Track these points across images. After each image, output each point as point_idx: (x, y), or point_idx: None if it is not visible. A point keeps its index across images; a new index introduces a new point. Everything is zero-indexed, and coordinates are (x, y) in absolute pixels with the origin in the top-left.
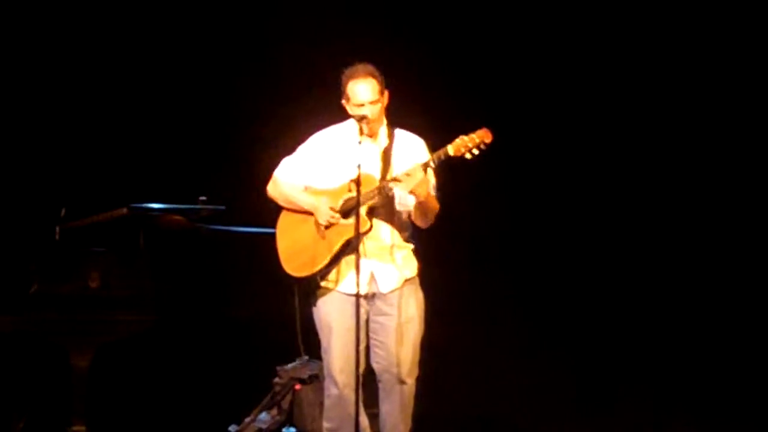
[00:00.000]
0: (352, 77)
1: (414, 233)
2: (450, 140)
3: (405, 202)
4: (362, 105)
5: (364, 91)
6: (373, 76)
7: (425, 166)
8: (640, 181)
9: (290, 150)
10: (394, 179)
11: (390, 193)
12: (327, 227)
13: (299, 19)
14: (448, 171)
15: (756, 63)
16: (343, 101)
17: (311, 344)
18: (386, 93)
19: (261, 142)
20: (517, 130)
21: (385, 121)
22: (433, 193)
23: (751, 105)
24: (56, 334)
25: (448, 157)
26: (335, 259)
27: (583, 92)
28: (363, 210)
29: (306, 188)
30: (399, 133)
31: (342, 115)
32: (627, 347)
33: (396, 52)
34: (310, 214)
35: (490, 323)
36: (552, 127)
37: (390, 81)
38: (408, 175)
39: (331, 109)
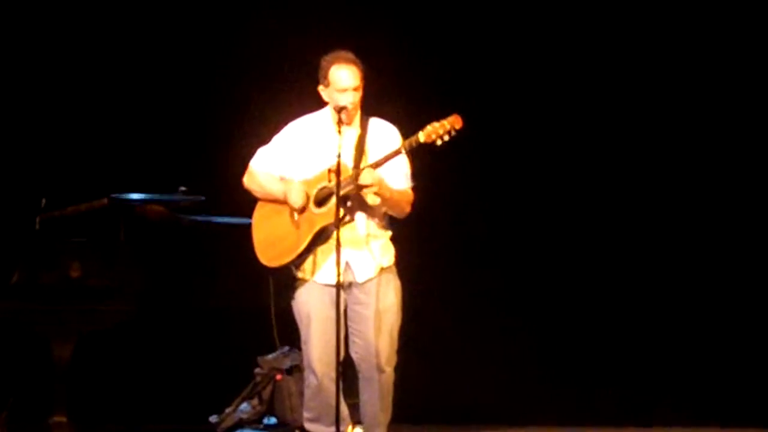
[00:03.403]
0: (334, 62)
1: (391, 221)
2: (421, 127)
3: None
4: (345, 90)
5: (347, 76)
6: (356, 64)
7: (396, 153)
8: (621, 171)
9: (269, 138)
10: (375, 164)
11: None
12: (300, 212)
13: (276, 10)
14: (427, 159)
15: (746, 63)
16: (321, 87)
17: (291, 335)
18: (364, 82)
19: (240, 132)
20: (493, 118)
21: (359, 111)
22: (406, 182)
23: (744, 103)
24: (37, 324)
25: (419, 144)
26: (309, 249)
27: (563, 81)
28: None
29: (281, 178)
30: (373, 121)
31: (318, 105)
32: (606, 335)
33: (368, 40)
34: (286, 204)
35: (469, 311)
36: (529, 116)
37: (366, 70)
38: (363, 175)
39: (308, 98)
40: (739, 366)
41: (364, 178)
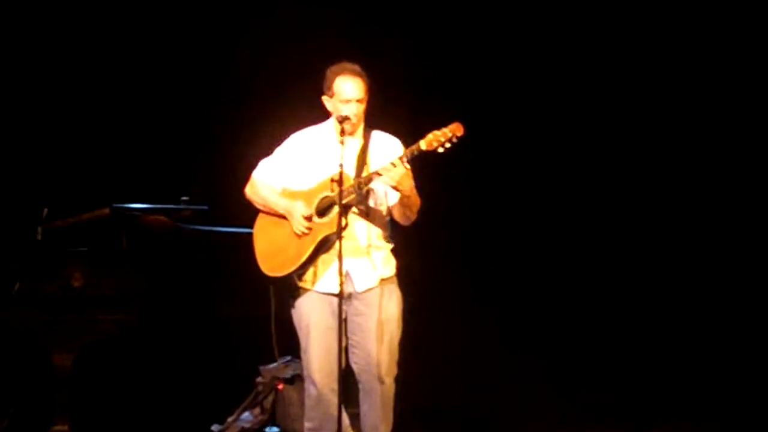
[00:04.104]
0: (340, 73)
1: (392, 233)
2: (422, 135)
3: (382, 199)
4: (349, 102)
5: (352, 88)
6: (361, 76)
7: (399, 161)
8: (620, 177)
9: (272, 149)
10: (376, 173)
11: (365, 191)
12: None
13: (280, 20)
14: (428, 169)
15: (746, 63)
16: (326, 97)
17: (292, 344)
18: (368, 95)
19: (242, 142)
20: (492, 127)
21: (362, 122)
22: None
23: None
24: (39, 334)
25: (421, 152)
26: (311, 258)
27: (562, 92)
28: (338, 209)
29: (283, 189)
30: (375, 133)
31: (321, 116)
32: (607, 339)
33: (372, 50)
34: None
35: (470, 320)
36: (527, 123)
37: (371, 83)
38: (390, 168)
39: (311, 109)
40: (740, 370)
41: (391, 172)
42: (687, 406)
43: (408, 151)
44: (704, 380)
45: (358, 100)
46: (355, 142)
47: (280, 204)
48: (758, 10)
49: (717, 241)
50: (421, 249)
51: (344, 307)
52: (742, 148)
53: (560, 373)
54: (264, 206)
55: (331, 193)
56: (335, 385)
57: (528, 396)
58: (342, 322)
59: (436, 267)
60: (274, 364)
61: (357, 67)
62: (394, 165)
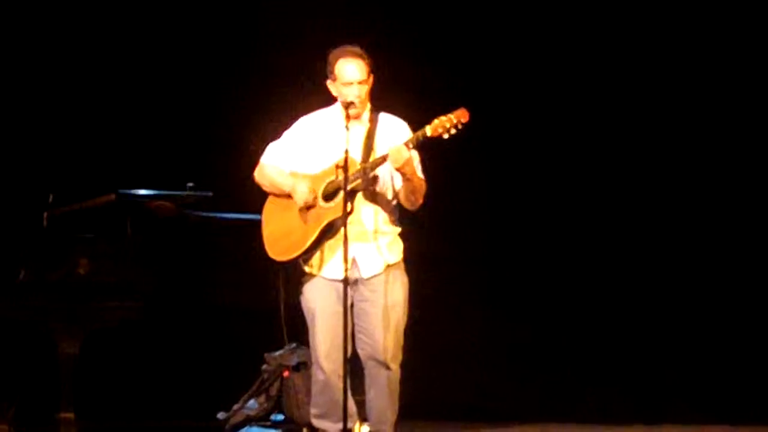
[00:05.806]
0: (341, 56)
1: (400, 217)
2: (428, 121)
3: (388, 183)
4: (351, 84)
5: (353, 70)
6: (362, 58)
7: (405, 146)
8: (626, 172)
9: (278, 135)
10: (382, 158)
11: (371, 175)
12: (307, 209)
13: (284, 6)
14: (435, 157)
15: (746, 63)
16: (329, 81)
17: (300, 331)
18: (372, 76)
19: (249, 128)
20: (501, 116)
21: (369, 105)
22: (419, 172)
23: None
24: (44, 321)
25: (426, 138)
26: (317, 243)
27: (568, 79)
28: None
29: (291, 173)
30: (382, 116)
31: (328, 101)
32: (616, 333)
33: (376, 35)
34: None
35: (478, 308)
36: (534, 112)
37: (373, 64)
38: (395, 151)
39: (318, 95)
40: (750, 364)
41: (395, 156)
42: (699, 405)
43: (413, 137)
44: (708, 379)
45: (359, 82)
46: (362, 126)
47: (285, 182)
48: (758, 10)
49: (717, 241)
50: (428, 241)
51: (350, 293)
52: (742, 148)
53: (571, 368)
54: (271, 188)
55: (337, 179)
56: (342, 371)
57: (537, 389)
58: (347, 308)
59: (444, 258)
60: (280, 352)
61: (358, 49)
62: (393, 153)
